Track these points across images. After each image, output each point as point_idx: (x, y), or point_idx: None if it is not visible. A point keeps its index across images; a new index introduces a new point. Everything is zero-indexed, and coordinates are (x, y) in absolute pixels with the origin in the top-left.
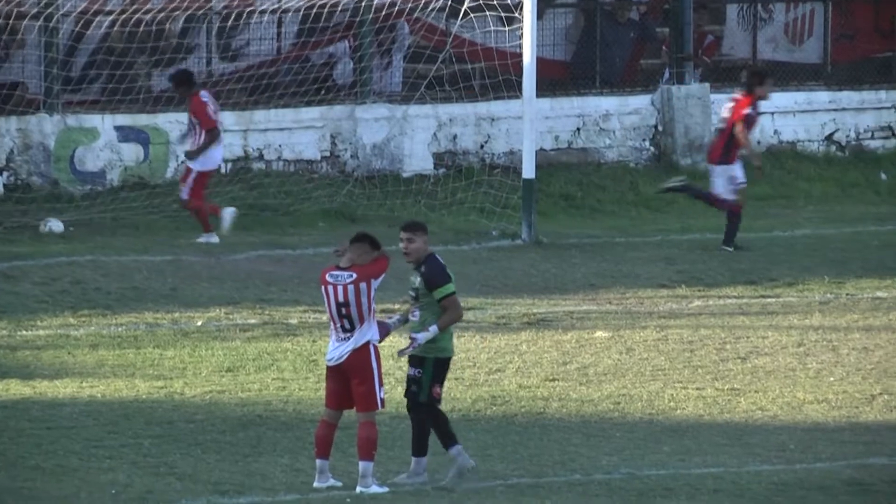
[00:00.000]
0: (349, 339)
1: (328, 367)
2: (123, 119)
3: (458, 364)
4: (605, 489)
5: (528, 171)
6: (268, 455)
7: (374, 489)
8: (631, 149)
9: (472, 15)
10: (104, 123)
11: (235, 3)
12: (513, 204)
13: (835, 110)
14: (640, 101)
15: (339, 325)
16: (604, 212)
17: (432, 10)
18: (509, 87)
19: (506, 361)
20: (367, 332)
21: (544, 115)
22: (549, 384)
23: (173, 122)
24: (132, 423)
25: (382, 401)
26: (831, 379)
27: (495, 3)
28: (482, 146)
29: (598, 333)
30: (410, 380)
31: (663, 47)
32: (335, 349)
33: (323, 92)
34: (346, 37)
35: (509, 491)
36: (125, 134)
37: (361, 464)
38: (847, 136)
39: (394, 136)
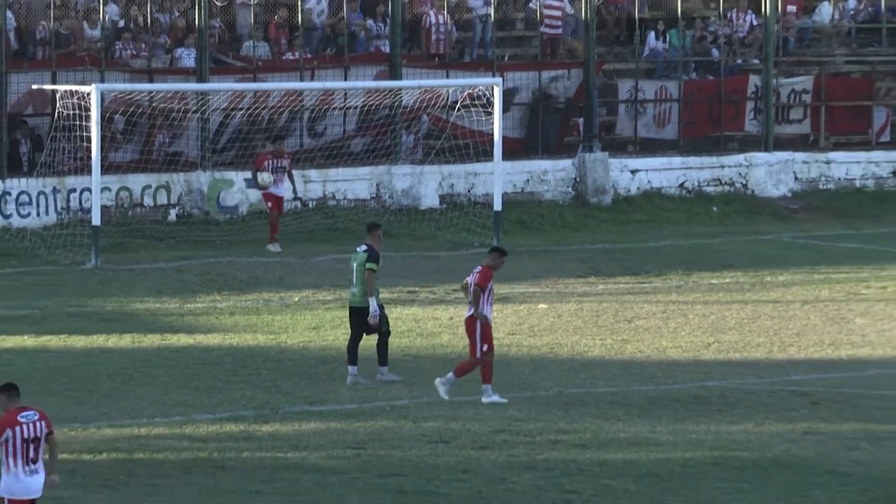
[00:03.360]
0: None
1: None
2: (248, 174)
3: (451, 325)
4: (543, 401)
5: (497, 206)
6: (339, 381)
7: (494, 399)
8: (560, 193)
9: (462, 110)
10: (237, 176)
11: (318, 102)
12: (487, 226)
13: (684, 168)
14: (565, 163)
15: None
16: (543, 231)
17: (439, 107)
18: (485, 154)
19: None
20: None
21: (507, 171)
22: (510, 336)
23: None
24: (255, 361)
25: (483, 353)
26: (683, 333)
27: (477, 102)
28: (469, 190)
29: (541, 305)
30: (382, 319)
31: (579, 130)
32: (466, 312)
33: (372, 157)
34: (386, 126)
35: (467, 404)
36: (249, 183)
37: (483, 385)
38: (692, 185)
39: (415, 185)
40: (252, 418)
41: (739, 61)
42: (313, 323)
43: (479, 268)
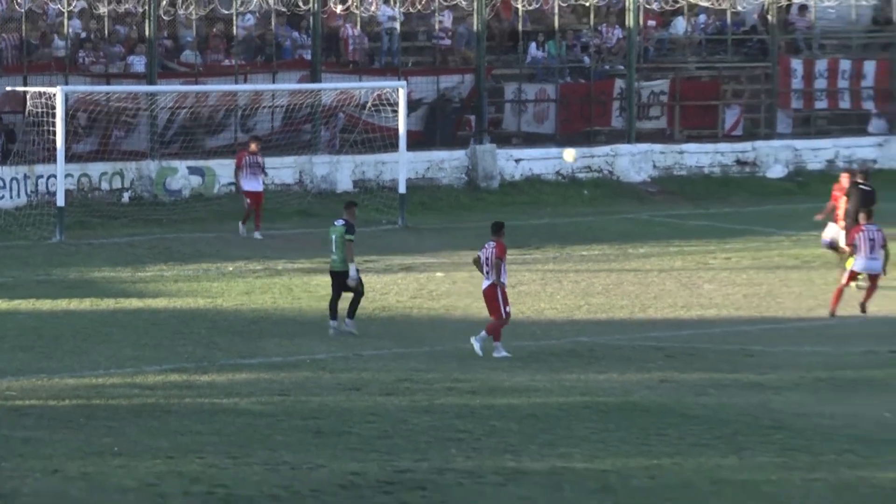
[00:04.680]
0: (488, 277)
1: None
2: (191, 163)
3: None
4: (440, 355)
5: (402, 190)
6: (267, 338)
7: (502, 354)
8: (455, 178)
9: (373, 109)
10: (181, 165)
11: (250, 102)
12: (394, 207)
13: (560, 158)
14: (460, 154)
15: (486, 270)
16: (441, 211)
17: (353, 106)
18: (392, 146)
19: (390, 289)
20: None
21: (410, 160)
22: (412, 300)
23: (217, 165)
24: (196, 321)
25: (506, 312)
26: (558, 297)
27: (385, 102)
28: (378, 176)
29: (438, 274)
30: (358, 281)
31: (471, 125)
32: (484, 283)
33: (295, 148)
34: (308, 122)
35: (376, 357)
36: (192, 170)
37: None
38: (567, 172)
39: (332, 172)
40: (193, 369)
41: (607, 67)
42: (245, 289)
43: (493, 243)
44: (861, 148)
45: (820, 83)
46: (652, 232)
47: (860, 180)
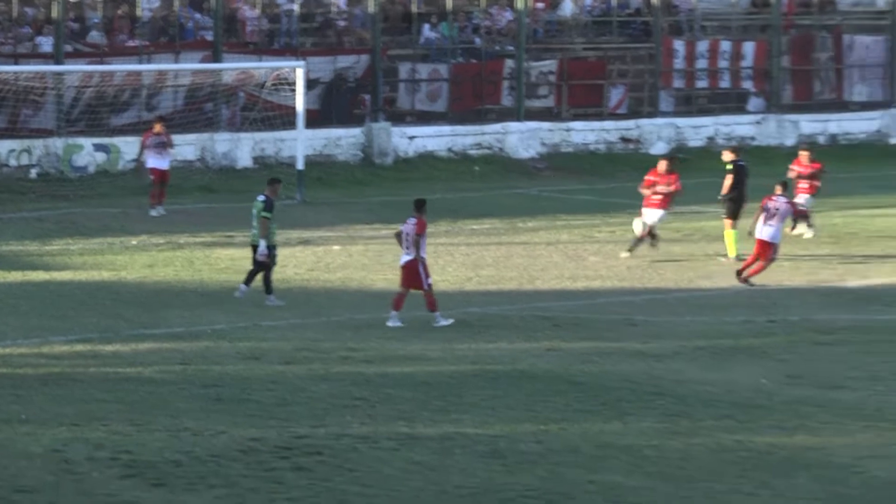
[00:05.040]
0: (409, 252)
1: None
2: (97, 140)
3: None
4: (337, 325)
5: (300, 166)
6: (169, 309)
7: (443, 322)
8: (351, 155)
9: (272, 88)
10: (87, 142)
11: (154, 81)
12: (292, 182)
13: (452, 135)
14: (356, 131)
15: (406, 245)
16: (337, 186)
17: (253, 85)
18: (290, 123)
19: (289, 261)
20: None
21: (308, 138)
22: (310, 272)
23: (122, 143)
24: (101, 293)
25: (429, 286)
26: (450, 269)
27: (283, 81)
28: (277, 153)
29: (335, 247)
30: (271, 256)
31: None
32: (404, 257)
33: (197, 126)
34: (209, 100)
35: (275, 328)
36: (97, 148)
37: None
38: (459, 148)
39: (232, 149)
40: (98, 340)
41: (497, 48)
42: (148, 262)
43: (414, 219)
44: (740, 125)
45: (701, 63)
46: (540, 206)
47: (734, 157)
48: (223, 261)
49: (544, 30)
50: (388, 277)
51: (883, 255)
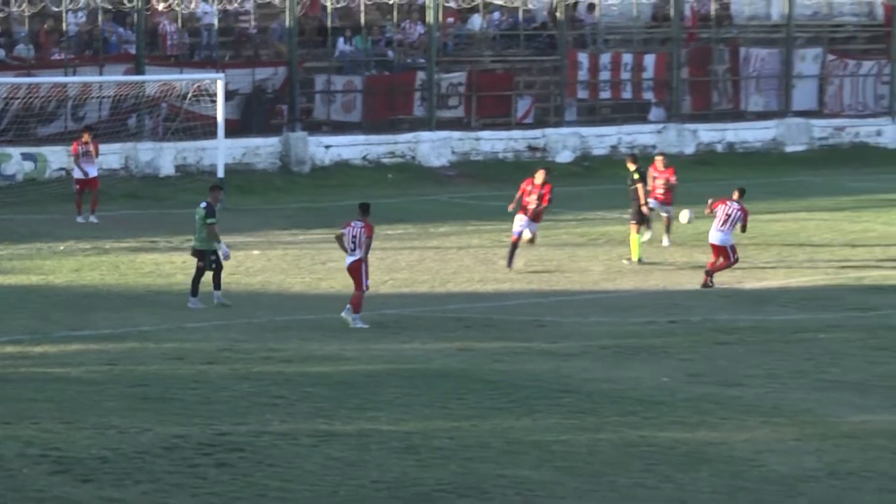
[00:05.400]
0: (354, 253)
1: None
2: (25, 149)
3: (184, 268)
4: (258, 326)
5: (220, 174)
6: (96, 311)
7: (360, 325)
8: (270, 163)
9: (193, 99)
10: (15, 151)
11: (79, 93)
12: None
13: (367, 144)
14: (274, 140)
15: (350, 247)
16: (257, 193)
17: (175, 96)
18: (211, 133)
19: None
20: (359, 253)
21: (228, 147)
22: (231, 276)
23: (49, 152)
24: (30, 296)
25: (367, 285)
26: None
27: (204, 93)
28: (198, 162)
29: (255, 252)
30: (207, 258)
31: (284, 114)
32: (349, 259)
33: (121, 136)
34: (133, 111)
35: (198, 329)
36: (25, 157)
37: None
38: (373, 157)
39: (155, 158)
40: (27, 341)
41: (409, 60)
42: (76, 266)
43: (361, 224)
44: (642, 134)
45: (604, 75)
46: (451, 212)
47: (637, 165)
48: (147, 265)
49: (454, 43)
50: (305, 281)
51: (779, 259)
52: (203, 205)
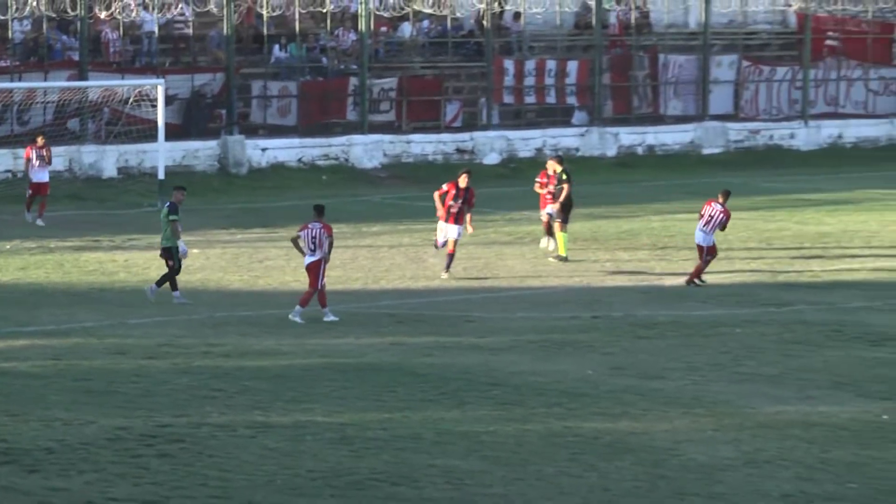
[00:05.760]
0: (315, 254)
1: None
2: None
3: (126, 266)
4: (197, 322)
5: (161, 176)
6: (41, 308)
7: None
8: (209, 166)
9: (134, 104)
10: None
11: (25, 98)
12: (154, 191)
13: (302, 147)
14: (212, 143)
15: (310, 247)
16: (196, 194)
17: (117, 101)
18: (152, 136)
19: (152, 264)
20: (320, 253)
21: (168, 150)
22: (192, 271)
23: None
24: None
25: (323, 285)
26: (301, 270)
27: (145, 98)
28: (139, 164)
29: (194, 251)
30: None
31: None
32: (308, 258)
33: (65, 139)
34: (76, 115)
35: (140, 325)
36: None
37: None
38: (308, 159)
39: (98, 160)
40: None
41: (342, 67)
42: (21, 265)
43: (319, 225)
44: (565, 137)
45: (529, 81)
46: (383, 213)
47: (562, 166)
48: (91, 263)
49: (385, 50)
50: (243, 278)
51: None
52: (167, 204)
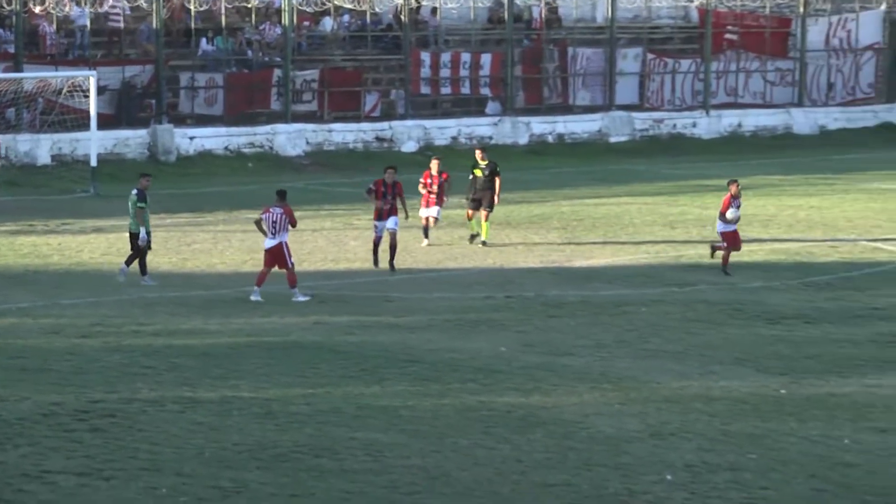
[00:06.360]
0: (275, 238)
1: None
2: None
3: (60, 249)
4: (128, 303)
5: (94, 163)
6: (17, 288)
7: (301, 298)
8: (139, 153)
9: (68, 94)
10: None
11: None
12: (86, 178)
13: (228, 136)
14: (142, 132)
15: (271, 231)
16: (127, 181)
17: (51, 92)
18: (85, 126)
19: (84, 247)
20: (283, 237)
21: (100, 138)
22: (103, 256)
23: None
24: None
25: (293, 264)
26: (227, 253)
27: (78, 89)
28: (73, 152)
29: (125, 234)
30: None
31: (152, 108)
32: (269, 242)
33: (2, 128)
34: (11, 105)
35: (72, 305)
36: None
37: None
38: (234, 147)
39: (33, 148)
40: None
41: (267, 59)
42: None
43: (280, 209)
44: (480, 126)
45: (445, 72)
46: (306, 198)
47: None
48: (26, 247)
49: (308, 43)
50: (172, 261)
51: (605, 239)
52: (134, 191)
